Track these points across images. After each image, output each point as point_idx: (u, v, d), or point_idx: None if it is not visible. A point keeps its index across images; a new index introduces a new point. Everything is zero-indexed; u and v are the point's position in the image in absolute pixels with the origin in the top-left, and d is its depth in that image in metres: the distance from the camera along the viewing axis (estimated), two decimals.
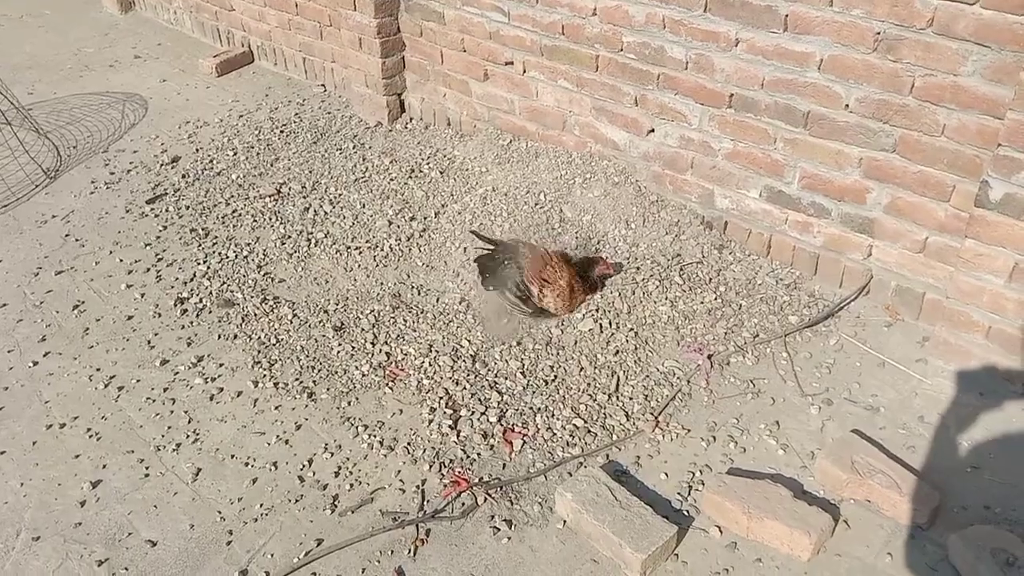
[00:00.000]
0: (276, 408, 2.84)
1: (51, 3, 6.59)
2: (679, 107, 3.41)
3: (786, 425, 2.69)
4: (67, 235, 3.76)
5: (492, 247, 3.23)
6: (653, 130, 3.55)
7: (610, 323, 3.08)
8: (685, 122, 3.42)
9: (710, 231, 3.46)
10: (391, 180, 4.04)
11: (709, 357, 2.91)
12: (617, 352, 2.97)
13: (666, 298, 3.14)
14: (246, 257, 3.57)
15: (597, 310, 3.14)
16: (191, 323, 3.22)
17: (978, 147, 2.70)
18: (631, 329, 3.05)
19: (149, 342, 3.14)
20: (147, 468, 2.63)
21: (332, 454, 2.66)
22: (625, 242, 3.43)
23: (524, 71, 3.91)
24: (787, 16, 2.95)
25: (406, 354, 3.03)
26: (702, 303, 3.12)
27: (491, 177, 3.92)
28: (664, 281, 3.21)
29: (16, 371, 3.03)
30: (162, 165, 4.26)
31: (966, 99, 2.67)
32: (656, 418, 2.70)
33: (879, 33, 2.76)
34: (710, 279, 3.24)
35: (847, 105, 2.95)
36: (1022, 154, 2.46)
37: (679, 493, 2.48)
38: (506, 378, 2.89)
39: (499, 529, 2.39)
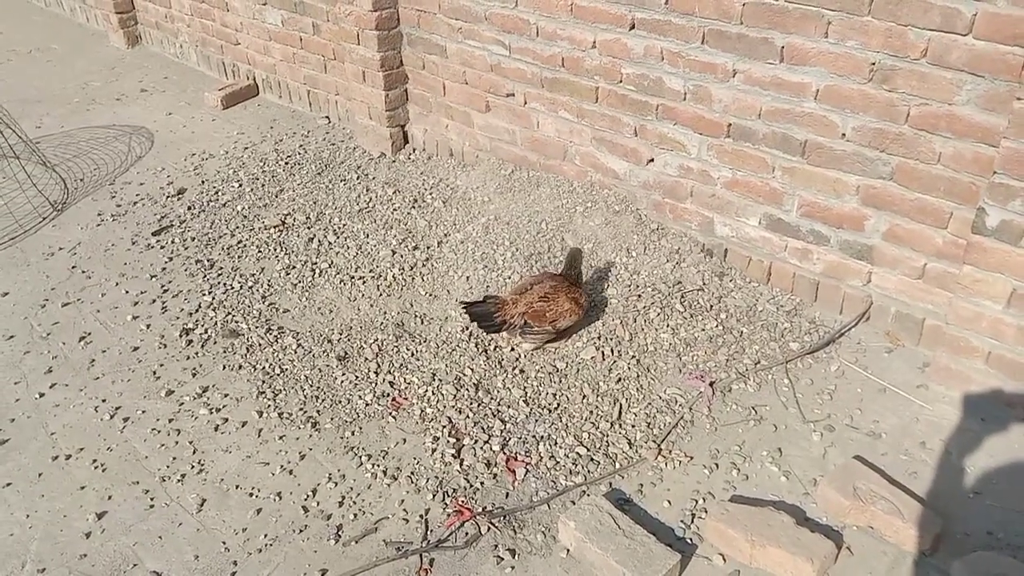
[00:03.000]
0: (280, 438, 2.85)
1: (59, 38, 6.70)
2: (678, 137, 3.46)
3: (788, 452, 2.69)
4: (74, 267, 3.80)
5: (481, 301, 3.15)
6: (653, 160, 3.59)
7: (612, 351, 3.10)
8: (684, 151, 3.46)
9: (710, 259, 3.49)
10: (394, 210, 4.08)
11: (711, 384, 2.93)
12: (619, 380, 2.98)
13: (668, 325, 3.16)
14: (251, 288, 3.61)
15: (599, 338, 3.16)
16: (196, 354, 3.25)
17: (974, 174, 2.73)
18: (633, 357, 3.07)
19: (155, 373, 3.16)
20: (152, 499, 2.65)
21: (336, 484, 2.67)
22: (626, 270, 3.46)
23: (525, 102, 3.97)
24: (783, 48, 3.00)
25: (409, 383, 3.04)
26: (703, 330, 3.14)
27: (493, 206, 3.96)
28: (665, 308, 3.23)
29: (22, 403, 3.05)
30: (168, 197, 4.31)
31: (961, 127, 2.71)
32: (659, 446, 2.71)
33: (874, 64, 2.80)
34: (711, 306, 3.26)
35: (844, 134, 2.99)
36: (1017, 181, 2.50)
37: (682, 521, 2.49)
38: (509, 406, 2.91)
39: (503, 559, 2.40)
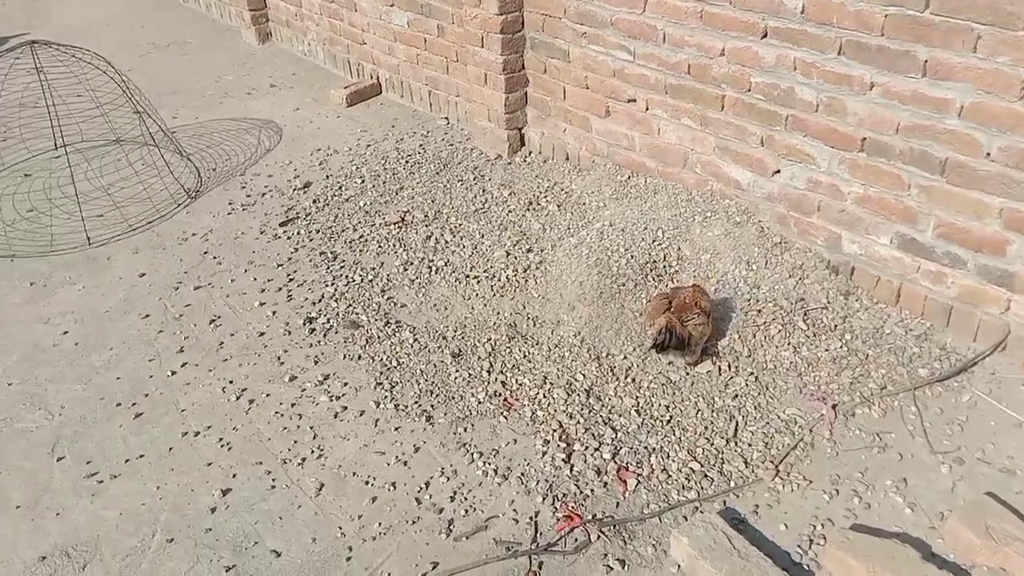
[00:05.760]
0: (396, 429, 2.92)
1: (194, 32, 7.06)
2: (807, 149, 3.36)
3: (914, 483, 2.58)
4: (205, 252, 4.00)
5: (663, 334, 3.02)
6: (779, 171, 3.50)
7: (729, 366, 3.04)
8: (813, 164, 3.36)
9: (836, 276, 3.38)
10: (509, 212, 4.12)
11: (833, 407, 2.83)
12: (736, 396, 2.92)
13: (789, 343, 3.08)
14: (371, 281, 3.71)
15: (716, 352, 3.11)
16: (318, 342, 3.36)
17: None
18: (751, 373, 3.00)
19: (279, 358, 3.29)
20: (274, 480, 2.76)
21: (448, 479, 2.72)
22: (746, 283, 3.39)
23: (647, 108, 3.94)
24: (926, 62, 2.88)
25: (521, 384, 3.07)
26: (826, 350, 3.04)
27: (608, 212, 3.95)
28: (787, 325, 3.14)
29: (156, 379, 3.23)
30: (295, 190, 4.48)
31: None
32: (776, 467, 2.64)
33: None
34: (835, 326, 3.16)
35: (988, 154, 2.84)
36: None
37: (799, 546, 2.42)
38: (620, 415, 2.89)
39: (612, 568, 2.39)
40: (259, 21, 6.55)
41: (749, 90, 3.48)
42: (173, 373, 3.25)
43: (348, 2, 5.55)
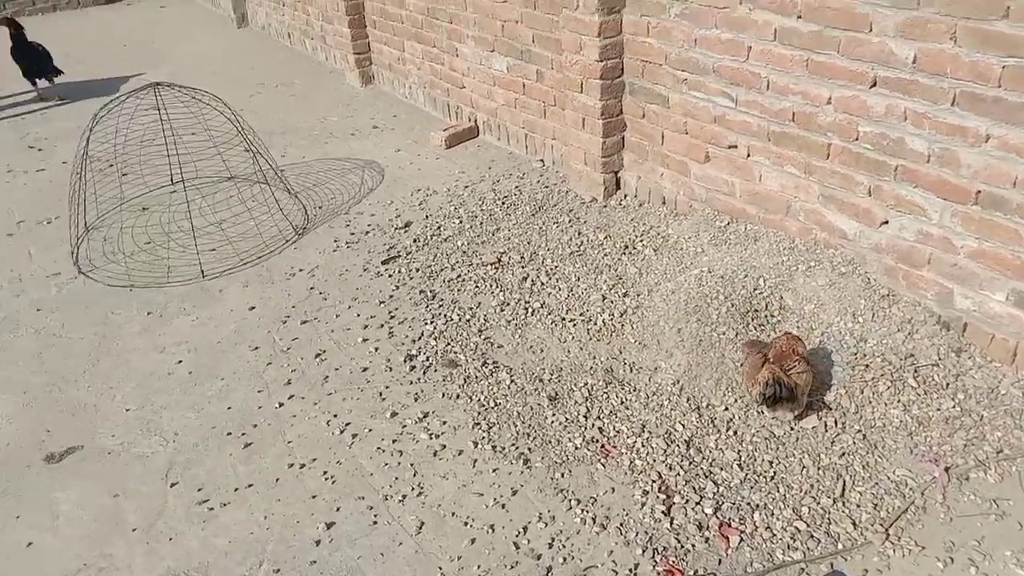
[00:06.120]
0: (494, 471, 2.95)
1: (301, 75, 7.38)
2: (918, 200, 3.28)
3: None
4: (312, 288, 4.15)
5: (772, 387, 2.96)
6: (887, 222, 3.43)
7: (836, 422, 2.97)
8: (924, 216, 3.28)
9: (947, 332, 3.27)
10: (605, 255, 4.14)
11: (946, 469, 2.73)
12: (843, 454, 2.85)
13: (898, 401, 2.99)
14: (468, 321, 3.77)
15: (821, 407, 3.04)
16: (418, 379, 3.43)
17: None
18: (858, 431, 2.92)
19: (380, 394, 3.37)
20: (376, 516, 2.81)
21: (546, 524, 2.72)
22: (851, 336, 3.31)
23: (748, 155, 3.92)
24: None
25: (618, 431, 3.06)
26: (938, 410, 2.94)
27: (706, 258, 3.93)
28: (896, 382, 3.05)
29: (264, 410, 3.35)
30: (396, 229, 4.62)
31: None
32: (887, 530, 2.55)
33: None
34: (947, 384, 3.05)
35: None
36: None
37: None
38: (722, 468, 2.85)
39: None
40: (363, 65, 6.81)
41: (857, 139, 3.43)
42: (281, 405, 3.36)
43: (450, 48, 5.72)
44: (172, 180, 5.02)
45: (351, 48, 6.75)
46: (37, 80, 7.21)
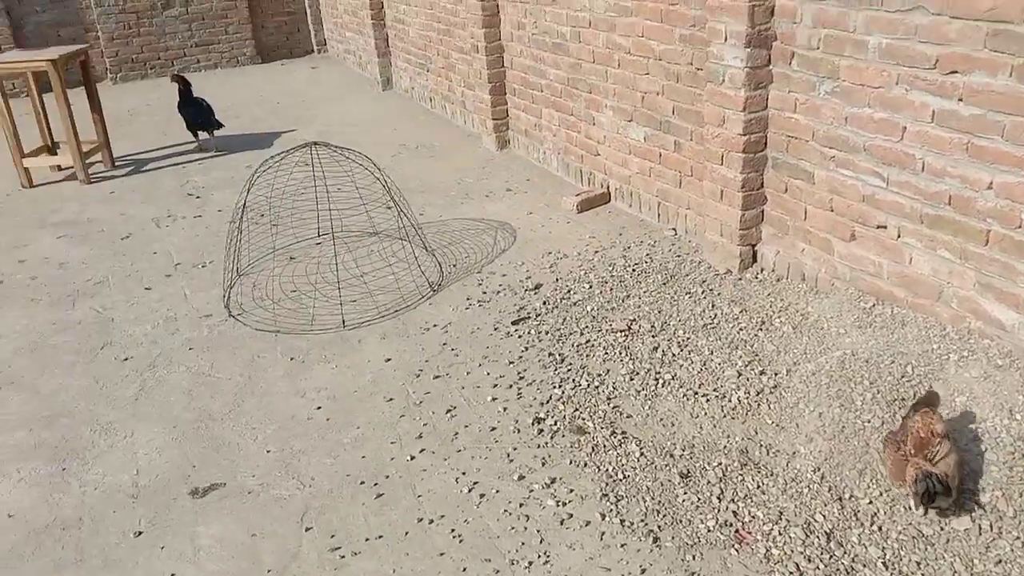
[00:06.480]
0: (622, 546, 2.89)
1: (440, 137, 7.69)
2: None
3: None
4: (444, 344, 4.25)
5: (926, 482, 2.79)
6: None
7: (991, 526, 2.77)
8: None
9: None
10: (740, 329, 4.06)
11: None
12: (999, 562, 2.64)
13: None
14: (597, 388, 3.76)
15: (974, 507, 2.84)
16: (546, 443, 3.44)
17: None
18: (1017, 538, 2.71)
19: (508, 455, 3.39)
20: None
21: None
22: (1008, 434, 3.09)
23: (898, 236, 3.79)
24: None
25: (754, 517, 2.95)
26: None
27: (849, 340, 3.78)
28: None
29: (396, 462, 3.43)
30: (526, 290, 4.69)
31: None
32: None
33: None
34: None
35: None
36: None
37: None
38: (865, 566, 2.70)
39: None
40: (499, 130, 7.03)
41: (1019, 227, 3.26)
42: (412, 458, 3.43)
43: (587, 116, 5.84)
44: (319, 232, 5.30)
45: (490, 114, 7.00)
46: (199, 132, 7.81)
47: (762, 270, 4.58)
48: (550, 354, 4.05)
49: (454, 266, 5.07)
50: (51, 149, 7.49)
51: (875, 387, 3.42)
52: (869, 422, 3.26)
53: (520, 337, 4.24)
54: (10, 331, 4.72)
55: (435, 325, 4.43)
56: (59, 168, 7.45)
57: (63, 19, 10.68)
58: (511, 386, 3.85)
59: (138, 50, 11.02)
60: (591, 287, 4.64)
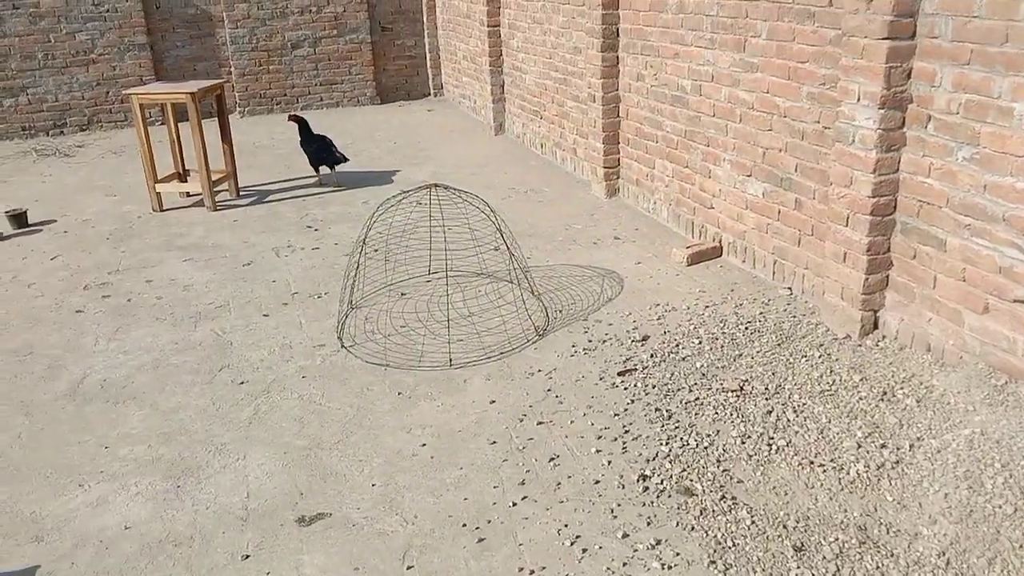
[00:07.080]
0: None
1: (549, 183, 7.76)
2: None
3: None
4: (548, 390, 4.23)
5: None
6: None
7: None
8: None
9: None
10: (860, 399, 3.88)
11: None
12: None
13: None
14: (706, 448, 3.66)
15: None
16: (651, 502, 3.35)
17: None
18: None
19: (612, 511, 3.32)
20: None
21: None
22: None
23: None
24: None
25: None
26: None
27: (979, 418, 3.57)
28: None
29: (498, 507, 3.41)
30: (633, 341, 4.63)
31: None
32: None
33: None
34: None
35: None
36: None
37: None
38: None
39: None
40: (610, 178, 7.05)
41: None
42: (514, 504, 3.40)
43: (703, 169, 5.79)
44: (430, 271, 5.39)
45: (602, 162, 7.02)
46: (320, 167, 8.12)
47: (883, 337, 4.39)
48: (657, 409, 3.97)
49: (560, 312, 5.06)
50: (182, 176, 7.93)
51: (1007, 470, 3.20)
52: (1000, 507, 3.05)
53: (626, 389, 4.18)
54: (135, 348, 4.97)
55: (540, 370, 4.42)
56: (187, 195, 7.87)
57: (200, 54, 11.38)
58: (616, 439, 3.78)
59: (266, 86, 11.61)
60: (701, 343, 4.55)
